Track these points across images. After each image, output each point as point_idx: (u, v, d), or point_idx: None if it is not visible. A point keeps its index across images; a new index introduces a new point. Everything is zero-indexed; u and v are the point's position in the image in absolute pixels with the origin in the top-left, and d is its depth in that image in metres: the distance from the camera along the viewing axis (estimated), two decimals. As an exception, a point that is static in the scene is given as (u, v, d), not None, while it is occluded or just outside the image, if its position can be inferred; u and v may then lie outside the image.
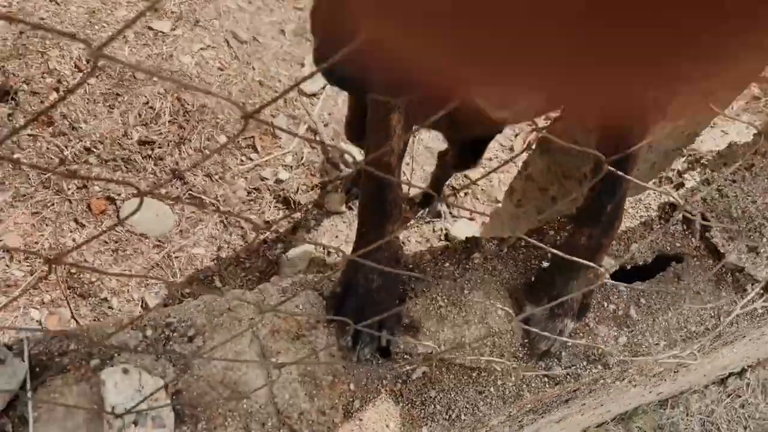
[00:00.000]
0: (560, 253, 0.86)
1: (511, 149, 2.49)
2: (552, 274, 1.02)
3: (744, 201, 1.19)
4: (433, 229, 2.30)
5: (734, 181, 1.21)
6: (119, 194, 2.06)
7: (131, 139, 2.18)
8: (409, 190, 2.29)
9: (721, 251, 1.14)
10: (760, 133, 1.26)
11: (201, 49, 2.45)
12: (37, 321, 1.75)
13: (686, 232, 1.17)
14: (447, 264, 1.08)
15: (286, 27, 2.58)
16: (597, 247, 0.98)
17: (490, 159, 2.39)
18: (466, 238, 1.13)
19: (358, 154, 2.28)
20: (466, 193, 2.34)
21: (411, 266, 1.07)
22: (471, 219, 2.31)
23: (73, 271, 1.89)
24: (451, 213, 2.28)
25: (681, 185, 1.26)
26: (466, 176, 2.35)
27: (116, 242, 1.99)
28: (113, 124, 2.20)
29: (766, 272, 1.13)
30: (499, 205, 2.18)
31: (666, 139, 1.27)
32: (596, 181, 0.98)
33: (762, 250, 1.15)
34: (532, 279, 1.06)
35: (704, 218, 1.15)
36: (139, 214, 2.04)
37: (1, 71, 2.24)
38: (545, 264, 1.07)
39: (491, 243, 1.11)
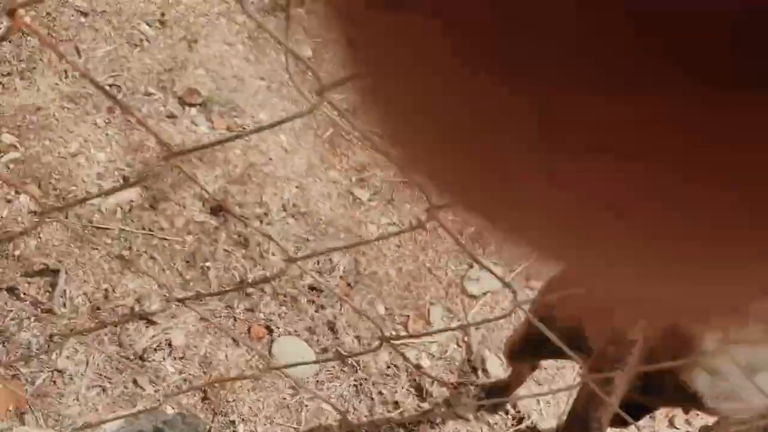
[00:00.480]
0: None
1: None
2: None
3: None
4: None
5: None
6: (278, 327, 2.19)
7: (304, 281, 2.36)
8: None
9: None
10: None
11: (387, 223, 2.68)
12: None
13: None
14: None
15: (466, 229, 2.78)
16: None
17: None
18: None
19: (500, 368, 2.29)
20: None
21: None
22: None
23: (216, 384, 1.98)
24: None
25: None
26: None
27: (260, 370, 2.08)
28: (294, 265, 2.40)
29: None
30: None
31: None
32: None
33: None
34: None
35: None
36: (287, 353, 2.14)
37: (223, 190, 2.58)
38: None
39: None
